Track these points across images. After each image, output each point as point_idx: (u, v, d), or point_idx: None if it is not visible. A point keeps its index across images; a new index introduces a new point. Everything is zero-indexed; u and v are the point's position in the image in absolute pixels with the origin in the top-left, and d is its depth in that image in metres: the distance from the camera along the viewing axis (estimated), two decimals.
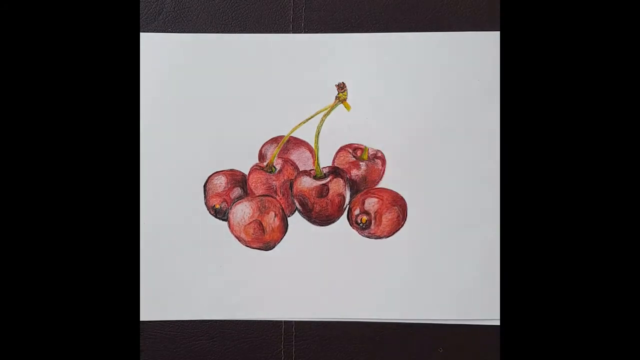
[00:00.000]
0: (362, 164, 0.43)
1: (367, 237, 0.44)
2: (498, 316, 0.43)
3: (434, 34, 0.43)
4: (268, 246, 0.43)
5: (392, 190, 0.43)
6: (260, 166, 0.43)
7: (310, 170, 0.43)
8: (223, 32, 0.44)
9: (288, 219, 0.43)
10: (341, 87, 0.43)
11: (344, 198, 0.43)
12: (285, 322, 0.44)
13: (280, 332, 0.44)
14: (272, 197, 0.43)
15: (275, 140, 0.43)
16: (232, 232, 0.43)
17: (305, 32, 0.44)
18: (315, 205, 0.43)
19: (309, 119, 0.43)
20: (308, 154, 0.43)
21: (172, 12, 0.44)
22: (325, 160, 0.43)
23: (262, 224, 0.43)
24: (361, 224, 0.44)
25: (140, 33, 0.43)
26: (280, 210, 0.43)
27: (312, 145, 0.43)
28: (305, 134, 0.43)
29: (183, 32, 0.44)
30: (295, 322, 0.44)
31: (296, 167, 0.43)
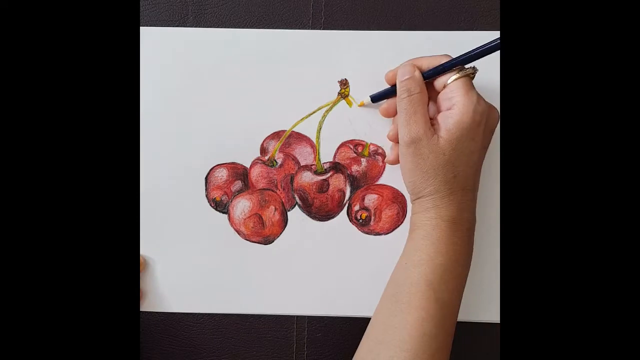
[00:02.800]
0: (363, 160, 0.44)
1: (367, 233, 0.44)
2: (498, 313, 0.43)
3: (434, 32, 0.44)
4: (267, 240, 0.43)
5: (392, 187, 0.44)
6: (261, 160, 0.44)
7: (311, 165, 0.44)
8: (241, 27, 0.44)
9: (288, 213, 0.44)
10: (344, 83, 0.43)
11: (344, 194, 0.44)
12: (285, 316, 0.43)
13: (279, 326, 0.43)
14: (272, 191, 0.44)
15: (277, 134, 0.44)
16: (232, 225, 0.43)
17: (323, 29, 0.44)
18: (315, 200, 0.44)
19: (311, 114, 0.43)
20: (309, 149, 0.44)
21: (195, 7, 0.45)
22: (327, 156, 0.44)
23: (262, 217, 0.43)
24: (361, 220, 0.44)
25: (141, 27, 0.44)
26: (281, 205, 0.44)
27: (314, 140, 0.44)
28: (307, 129, 0.44)
29: (201, 27, 0.44)
30: (296, 316, 0.43)
31: (297, 162, 0.44)
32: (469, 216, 0.38)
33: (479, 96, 0.37)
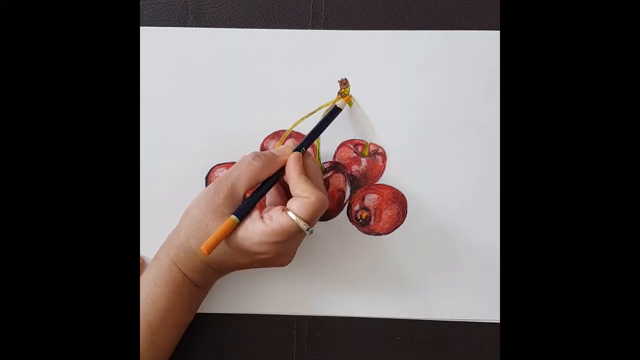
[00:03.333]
0: (363, 159, 0.44)
1: (367, 233, 0.44)
2: (498, 313, 0.43)
3: (434, 32, 0.44)
4: None
5: (392, 187, 0.44)
6: None
7: None
8: (241, 27, 0.44)
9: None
10: (344, 83, 0.43)
11: (344, 194, 0.44)
12: (285, 316, 0.43)
13: (279, 326, 0.43)
14: None
15: (277, 134, 0.44)
16: None
17: (323, 29, 0.44)
18: None
19: (311, 114, 0.43)
20: (309, 148, 0.44)
21: (194, 7, 0.45)
22: (326, 156, 0.44)
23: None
24: (361, 220, 0.44)
25: (141, 27, 0.44)
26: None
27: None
28: (307, 129, 0.43)
29: (201, 27, 0.44)
30: (296, 316, 0.43)
31: None
32: (202, 281, 0.39)
33: (276, 249, 0.36)
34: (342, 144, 0.44)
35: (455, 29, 0.44)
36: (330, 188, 0.44)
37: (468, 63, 0.43)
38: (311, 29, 0.44)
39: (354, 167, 0.44)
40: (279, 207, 0.37)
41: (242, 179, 0.37)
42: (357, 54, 0.44)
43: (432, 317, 0.43)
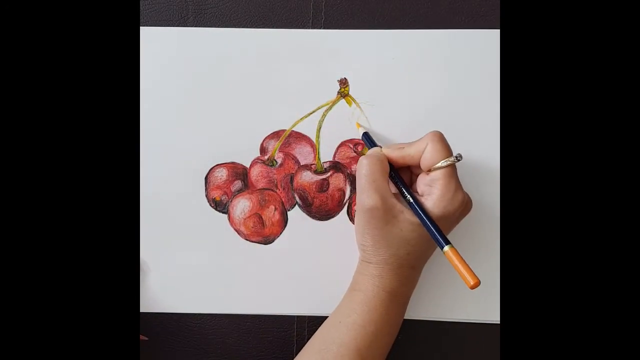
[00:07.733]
0: None
1: None
2: (498, 313, 0.43)
3: (434, 31, 0.44)
4: (267, 240, 0.43)
5: None
6: (261, 159, 0.44)
7: (311, 164, 0.44)
8: (241, 27, 0.44)
9: (288, 213, 0.44)
10: (343, 82, 0.43)
11: (344, 193, 0.44)
12: (284, 316, 0.43)
13: (279, 326, 0.43)
14: (272, 190, 0.44)
15: (276, 134, 0.44)
16: (231, 225, 0.43)
17: (323, 29, 0.44)
18: (315, 200, 0.43)
19: (311, 113, 0.43)
20: (309, 148, 0.44)
21: (194, 7, 0.45)
22: (326, 155, 0.44)
23: (261, 217, 0.43)
24: None
25: (141, 27, 0.44)
26: (280, 204, 0.44)
27: (314, 139, 0.44)
28: (307, 129, 0.44)
29: (201, 27, 0.44)
30: (296, 316, 0.43)
31: (297, 162, 0.44)
32: (408, 290, 0.39)
33: (457, 188, 0.37)
34: (342, 144, 0.44)
35: (455, 28, 0.44)
36: (330, 187, 0.44)
37: (468, 62, 0.43)
38: (311, 28, 0.44)
39: (354, 167, 0.44)
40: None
41: (377, 174, 0.37)
42: (357, 53, 0.44)
43: (432, 317, 0.43)
